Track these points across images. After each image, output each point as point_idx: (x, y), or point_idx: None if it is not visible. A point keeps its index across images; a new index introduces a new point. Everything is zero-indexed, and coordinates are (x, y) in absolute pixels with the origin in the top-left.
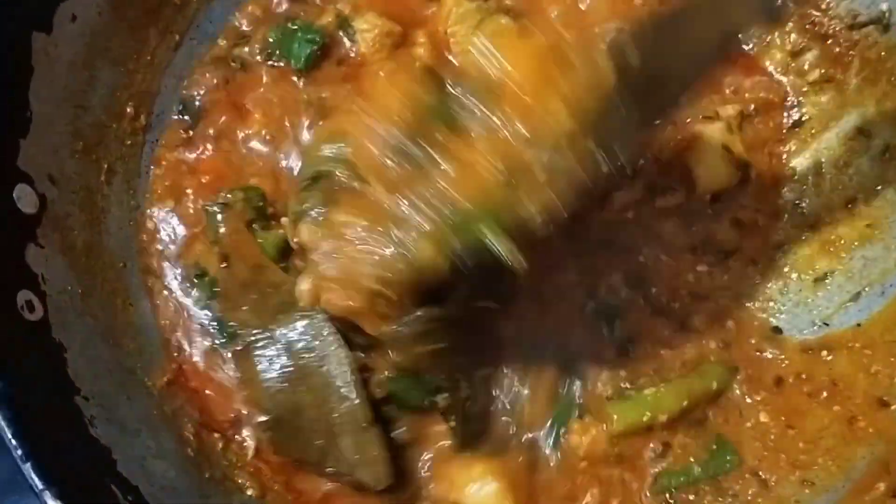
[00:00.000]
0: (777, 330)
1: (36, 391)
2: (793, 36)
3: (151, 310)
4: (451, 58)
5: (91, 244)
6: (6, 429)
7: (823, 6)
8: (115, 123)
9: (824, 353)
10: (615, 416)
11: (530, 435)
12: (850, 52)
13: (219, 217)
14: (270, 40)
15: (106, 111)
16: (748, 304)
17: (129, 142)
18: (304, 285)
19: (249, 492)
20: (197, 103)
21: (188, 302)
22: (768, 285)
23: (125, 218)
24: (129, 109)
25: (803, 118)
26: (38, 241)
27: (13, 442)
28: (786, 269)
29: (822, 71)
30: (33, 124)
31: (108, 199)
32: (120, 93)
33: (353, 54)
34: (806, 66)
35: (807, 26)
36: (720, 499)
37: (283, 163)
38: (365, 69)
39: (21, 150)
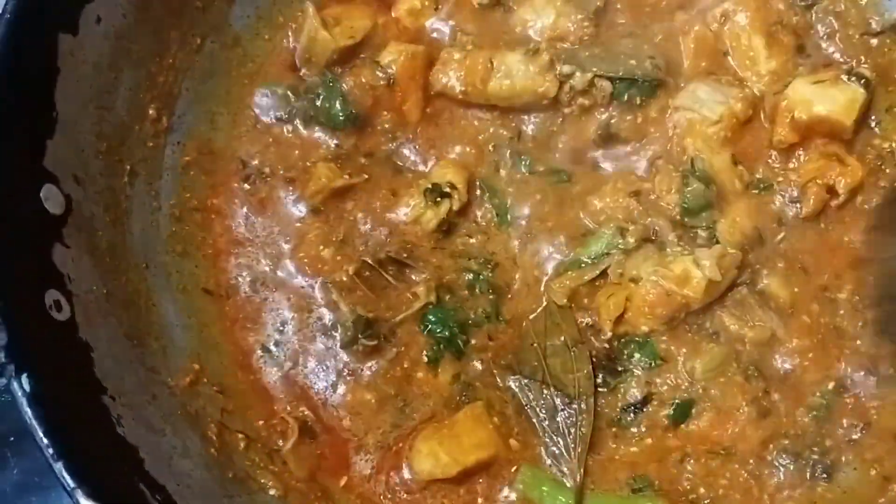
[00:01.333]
0: None
1: (65, 390)
2: None
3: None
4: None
5: (115, 244)
6: (38, 428)
7: None
8: (138, 125)
9: None
10: None
11: None
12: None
13: None
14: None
15: (129, 113)
16: None
17: (150, 143)
18: None
19: (272, 491)
20: None
21: None
22: None
23: (147, 219)
24: (151, 111)
25: None
26: (65, 241)
27: (45, 441)
28: None
29: None
30: (59, 125)
31: (131, 200)
32: (143, 94)
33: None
34: None
35: None
36: None
37: None
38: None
39: (48, 150)
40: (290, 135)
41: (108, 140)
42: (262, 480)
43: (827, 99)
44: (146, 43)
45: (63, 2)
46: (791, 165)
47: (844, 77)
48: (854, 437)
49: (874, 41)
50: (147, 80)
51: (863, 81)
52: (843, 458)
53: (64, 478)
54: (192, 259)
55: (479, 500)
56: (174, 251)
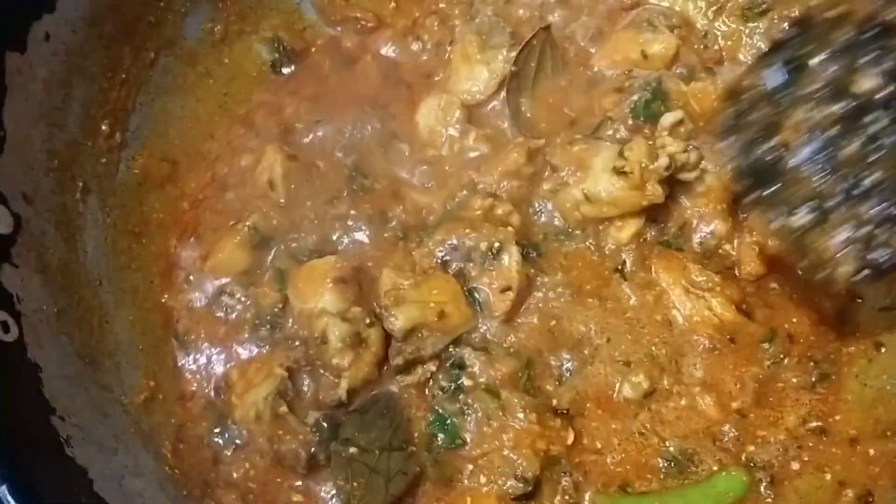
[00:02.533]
0: None
1: (11, 412)
2: None
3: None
4: None
5: (67, 262)
6: None
7: None
8: (91, 141)
9: None
10: None
11: None
12: None
13: None
14: None
15: (81, 129)
16: None
17: (104, 159)
18: None
19: None
20: None
21: None
22: None
23: (100, 236)
24: (104, 127)
25: None
26: (13, 260)
27: None
28: None
29: None
30: (7, 144)
31: (84, 217)
32: (95, 110)
33: None
34: None
35: None
36: None
37: None
38: None
39: None
40: None
41: (60, 157)
42: (220, 498)
43: None
44: (98, 58)
45: (9, 19)
46: None
47: None
48: (810, 443)
49: None
50: (99, 95)
51: None
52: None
53: (8, 500)
54: (146, 276)
55: None
56: (128, 268)
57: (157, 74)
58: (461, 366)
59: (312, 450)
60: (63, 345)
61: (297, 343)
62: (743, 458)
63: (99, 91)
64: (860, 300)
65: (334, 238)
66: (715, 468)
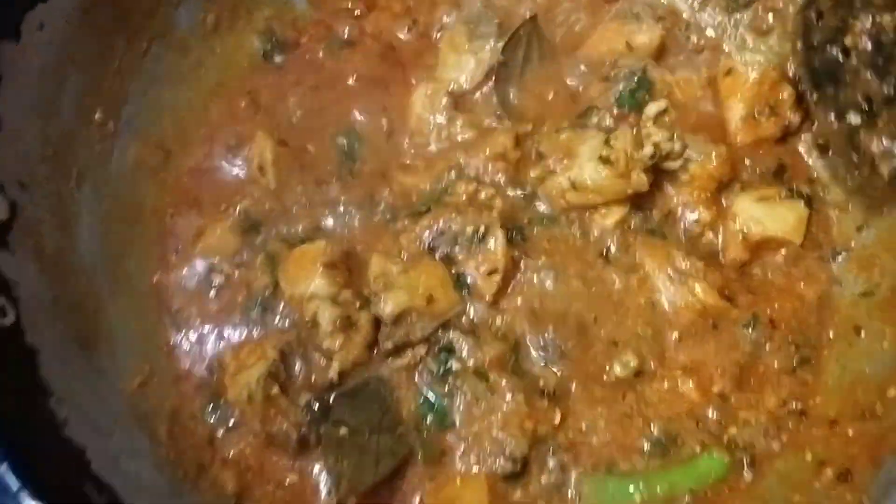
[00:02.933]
0: None
1: (10, 395)
2: None
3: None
4: None
5: (62, 249)
6: None
7: None
8: (85, 129)
9: None
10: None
11: None
12: None
13: None
14: None
15: (75, 117)
16: None
17: (98, 147)
18: None
19: (226, 490)
20: None
21: None
22: None
23: (95, 223)
24: (97, 115)
25: None
26: (10, 246)
27: None
28: None
29: None
30: (2, 132)
31: (79, 204)
32: (89, 99)
33: None
34: None
35: None
36: None
37: None
38: None
39: None
40: None
41: (54, 145)
42: (215, 479)
43: (778, 219)
44: (91, 48)
45: (4, 9)
46: None
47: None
48: (790, 424)
49: None
50: (93, 84)
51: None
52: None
53: (8, 479)
54: (140, 262)
55: None
56: (123, 254)
57: (150, 64)
58: (450, 349)
59: (303, 430)
60: (59, 330)
61: (288, 325)
62: (725, 439)
63: (93, 80)
64: (839, 285)
65: (324, 222)
66: (697, 449)
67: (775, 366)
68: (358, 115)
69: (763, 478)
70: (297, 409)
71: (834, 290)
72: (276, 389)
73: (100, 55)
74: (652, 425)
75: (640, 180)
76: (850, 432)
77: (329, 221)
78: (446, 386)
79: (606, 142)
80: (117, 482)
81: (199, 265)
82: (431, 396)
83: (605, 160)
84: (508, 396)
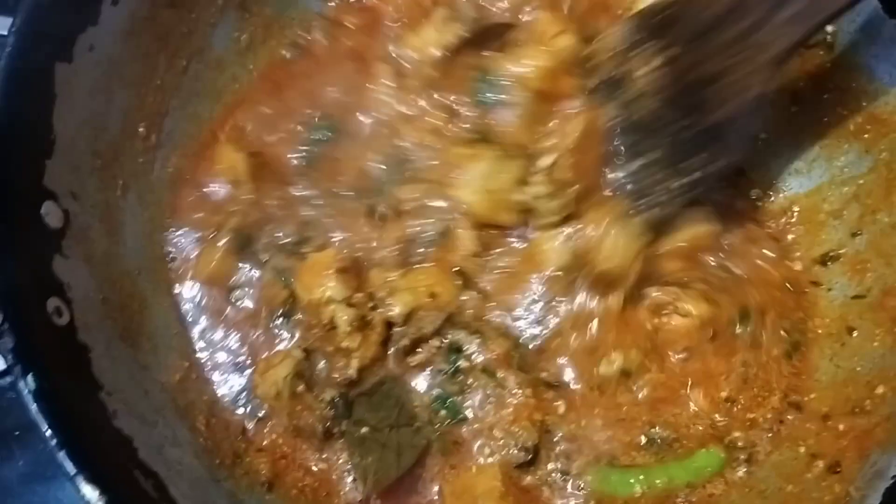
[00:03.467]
0: None
1: (65, 388)
2: None
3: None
4: None
5: (109, 254)
6: (43, 421)
7: None
8: (129, 143)
9: None
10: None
11: None
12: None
13: None
14: None
15: (121, 132)
16: None
17: (141, 159)
18: None
19: (259, 476)
20: None
21: None
22: None
23: (138, 229)
24: (141, 129)
25: None
26: (64, 252)
27: (49, 432)
28: None
29: None
30: (56, 146)
31: (124, 212)
32: (133, 114)
33: None
34: None
35: None
36: None
37: None
38: None
39: (46, 170)
40: None
41: (103, 157)
42: (250, 467)
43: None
44: (136, 67)
45: (59, 33)
46: None
47: None
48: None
49: None
50: (137, 100)
51: None
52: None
53: (67, 464)
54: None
55: None
56: (164, 258)
57: (189, 80)
58: (458, 349)
59: (328, 424)
60: (108, 328)
61: (308, 329)
62: (726, 440)
63: (136, 97)
64: (830, 290)
65: (307, 220)
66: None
67: (774, 353)
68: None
69: (759, 469)
70: (321, 404)
71: (824, 293)
72: (301, 387)
73: (143, 73)
74: (651, 426)
75: None
76: (841, 427)
77: (310, 219)
78: (457, 384)
79: None
80: (161, 468)
81: (211, 291)
82: (444, 394)
83: None
84: (517, 391)
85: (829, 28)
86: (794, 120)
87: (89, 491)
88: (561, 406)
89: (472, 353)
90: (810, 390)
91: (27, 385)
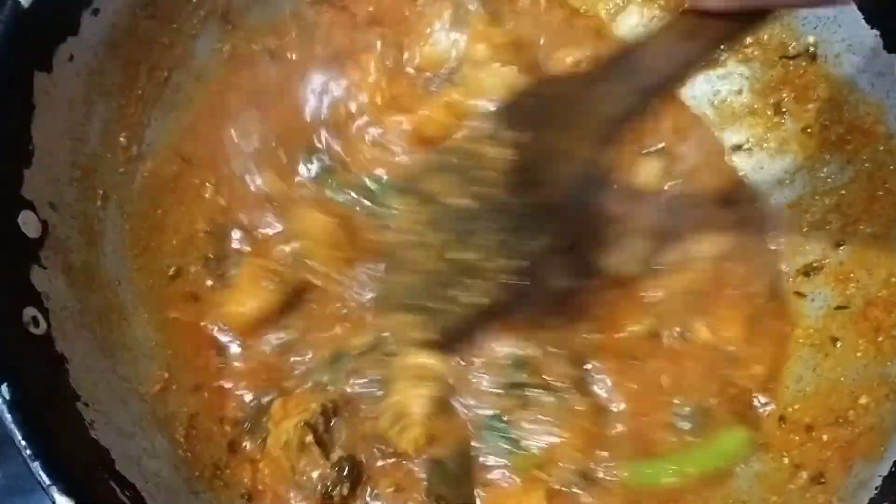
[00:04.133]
0: None
1: (41, 398)
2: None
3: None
4: None
5: (89, 264)
6: (17, 431)
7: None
8: (110, 153)
9: None
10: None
11: None
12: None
13: None
14: None
15: (101, 142)
16: None
17: (122, 170)
18: None
19: (240, 488)
20: None
21: None
22: None
23: (118, 240)
24: (121, 140)
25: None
26: (41, 262)
27: (23, 443)
28: None
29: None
30: (35, 156)
31: (104, 223)
32: (113, 125)
33: None
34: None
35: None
36: None
37: None
38: None
39: (25, 180)
40: None
41: (82, 168)
42: (229, 479)
43: None
44: (116, 77)
45: (38, 43)
46: None
47: None
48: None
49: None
50: (117, 111)
51: None
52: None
53: (41, 476)
54: (160, 277)
55: None
56: (144, 269)
57: (171, 91)
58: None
59: (329, 485)
60: (86, 339)
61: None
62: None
63: (117, 107)
64: (813, 300)
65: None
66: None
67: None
68: None
69: (741, 481)
70: (327, 462)
71: (808, 303)
72: (310, 438)
73: (124, 84)
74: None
75: None
76: (825, 437)
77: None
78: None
79: None
80: (138, 480)
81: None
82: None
83: None
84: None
85: (811, 38)
86: (776, 130)
87: (64, 502)
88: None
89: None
90: (794, 402)
91: (2, 395)
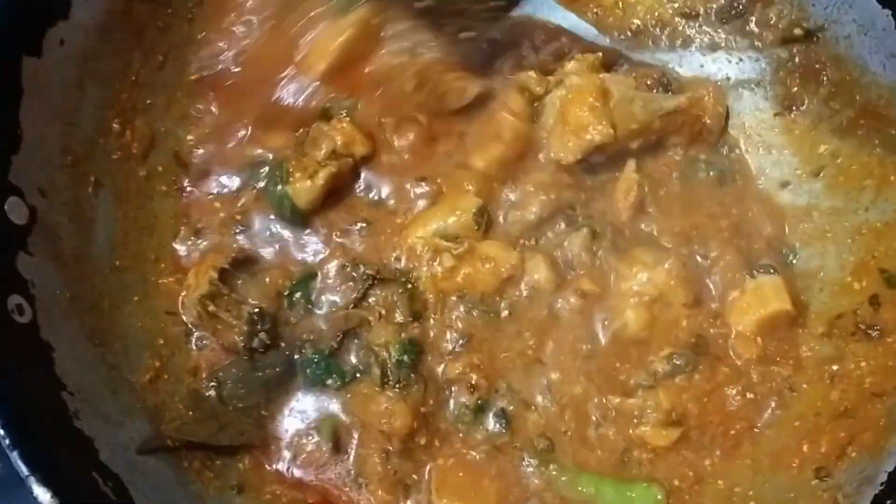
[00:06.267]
0: None
1: (24, 386)
2: None
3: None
4: None
5: (80, 251)
6: None
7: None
8: (103, 139)
9: None
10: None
11: None
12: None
13: None
14: None
15: (94, 128)
16: None
17: (115, 156)
18: None
19: (230, 479)
20: None
21: None
22: None
23: (111, 227)
24: (115, 126)
25: None
26: (29, 249)
27: (1, 431)
28: None
29: None
30: (24, 142)
31: (96, 210)
32: (107, 111)
33: None
34: None
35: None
36: None
37: None
38: None
39: (12, 165)
40: None
41: (74, 154)
42: (218, 469)
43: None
44: (109, 62)
45: (26, 26)
46: None
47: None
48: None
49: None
50: (111, 97)
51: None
52: None
53: (19, 466)
54: (153, 265)
55: None
56: (136, 257)
57: (166, 76)
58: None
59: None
60: (75, 327)
61: None
62: None
63: (111, 93)
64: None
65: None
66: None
67: None
68: None
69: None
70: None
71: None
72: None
73: (118, 69)
74: None
75: None
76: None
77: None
78: None
79: None
80: (123, 471)
81: None
82: None
83: None
84: None
85: (821, 20)
86: (785, 117)
87: (42, 493)
88: None
89: None
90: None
91: None
